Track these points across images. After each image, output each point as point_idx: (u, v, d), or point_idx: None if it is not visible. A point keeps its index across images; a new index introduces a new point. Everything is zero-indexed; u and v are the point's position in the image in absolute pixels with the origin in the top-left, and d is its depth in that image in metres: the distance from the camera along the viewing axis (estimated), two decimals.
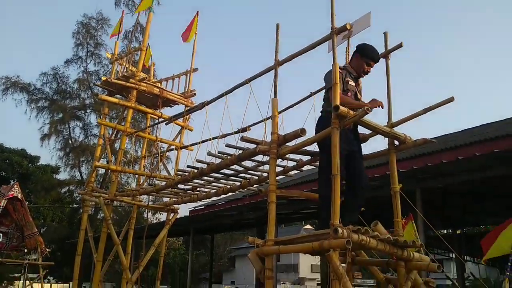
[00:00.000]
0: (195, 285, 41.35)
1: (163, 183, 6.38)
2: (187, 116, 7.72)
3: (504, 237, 4.67)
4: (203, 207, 16.18)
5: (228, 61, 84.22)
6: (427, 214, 17.68)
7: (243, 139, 4.29)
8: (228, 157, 4.70)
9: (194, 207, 18.03)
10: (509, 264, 4.44)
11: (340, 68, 3.76)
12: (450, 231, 22.30)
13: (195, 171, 5.20)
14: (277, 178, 4.18)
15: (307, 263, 36.63)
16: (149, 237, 24.98)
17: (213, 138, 5.56)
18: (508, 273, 4.44)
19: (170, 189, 6.69)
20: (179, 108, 8.52)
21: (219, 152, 4.81)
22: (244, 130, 5.15)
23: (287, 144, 4.12)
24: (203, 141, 5.93)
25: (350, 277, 4.23)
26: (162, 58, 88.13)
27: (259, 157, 4.94)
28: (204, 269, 38.25)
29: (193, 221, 14.74)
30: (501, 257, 5.11)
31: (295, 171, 4.99)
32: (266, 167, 5.17)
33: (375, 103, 3.96)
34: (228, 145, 4.57)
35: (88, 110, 24.20)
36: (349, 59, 4.32)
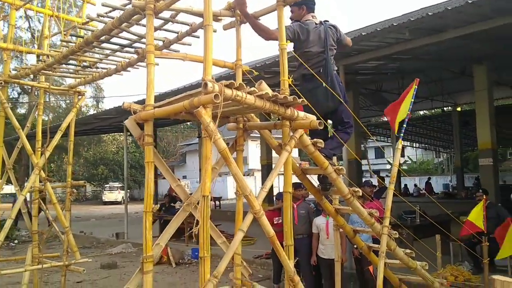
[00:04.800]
0: (143, 181, 42.08)
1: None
2: None
3: (405, 102, 4.56)
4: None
5: None
6: (364, 98, 17.89)
7: None
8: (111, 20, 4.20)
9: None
10: (404, 126, 4.43)
11: None
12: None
13: (81, 40, 4.69)
14: None
15: (255, 156, 37.77)
16: (91, 133, 24.30)
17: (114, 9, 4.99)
18: (402, 135, 4.45)
19: (71, 68, 6.20)
20: None
21: (100, 16, 4.30)
22: None
23: None
24: (105, 14, 5.34)
25: (241, 142, 4.11)
26: None
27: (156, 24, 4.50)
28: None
29: (124, 113, 14.25)
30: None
31: (190, 38, 4.57)
32: (163, 33, 4.74)
33: None
34: (105, 4, 4.06)
35: None
36: None
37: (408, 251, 4.49)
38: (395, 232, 4.26)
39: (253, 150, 37.35)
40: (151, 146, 3.53)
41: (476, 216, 5.19)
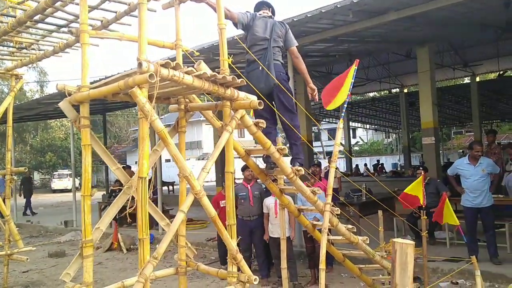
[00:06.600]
0: (97, 168, 40.94)
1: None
2: None
3: (346, 83, 4.64)
4: None
5: None
6: (316, 81, 18.13)
7: None
8: None
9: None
10: (345, 105, 4.53)
11: None
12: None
13: (13, 19, 4.47)
14: None
15: (210, 139, 37.59)
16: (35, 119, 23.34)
17: None
18: (343, 114, 4.56)
19: (8, 50, 5.92)
20: None
21: None
22: None
23: None
24: None
25: (183, 124, 4.07)
26: None
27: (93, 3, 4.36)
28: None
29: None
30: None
31: (129, 17, 4.45)
32: (101, 13, 4.59)
33: None
34: None
35: None
36: None
37: (350, 226, 4.63)
38: (337, 208, 4.38)
39: (207, 134, 37.16)
40: (87, 129, 3.45)
41: (416, 190, 5.42)
